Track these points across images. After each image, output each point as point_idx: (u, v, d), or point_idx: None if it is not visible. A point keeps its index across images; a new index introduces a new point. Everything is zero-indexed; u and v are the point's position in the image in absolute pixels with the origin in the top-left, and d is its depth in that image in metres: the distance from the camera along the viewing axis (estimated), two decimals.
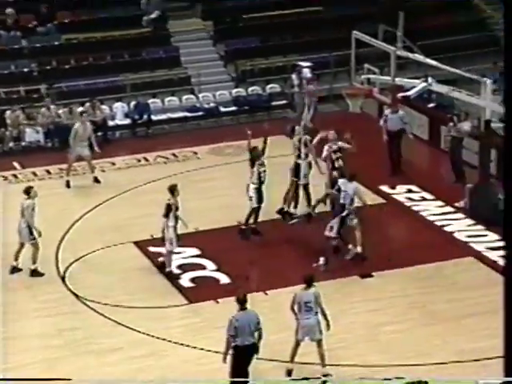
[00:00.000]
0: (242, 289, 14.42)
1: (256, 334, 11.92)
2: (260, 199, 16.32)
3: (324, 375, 12.46)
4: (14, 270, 15.47)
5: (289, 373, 12.59)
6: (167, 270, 15.31)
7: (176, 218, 15.17)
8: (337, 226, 15.31)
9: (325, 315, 12.42)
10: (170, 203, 15.14)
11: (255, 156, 16.52)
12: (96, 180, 19.07)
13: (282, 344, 12.97)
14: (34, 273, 15.42)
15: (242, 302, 12.03)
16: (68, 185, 18.86)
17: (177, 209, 15.20)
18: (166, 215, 15.15)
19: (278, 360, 12.83)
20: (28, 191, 15.62)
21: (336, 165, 16.66)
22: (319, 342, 12.43)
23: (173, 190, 15.29)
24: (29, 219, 15.33)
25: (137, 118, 22.10)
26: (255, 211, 16.43)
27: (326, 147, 16.88)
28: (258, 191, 16.31)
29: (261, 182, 16.29)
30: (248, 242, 16.53)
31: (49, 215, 17.49)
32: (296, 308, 12.39)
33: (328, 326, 12.46)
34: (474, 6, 26.33)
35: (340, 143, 16.88)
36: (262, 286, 14.92)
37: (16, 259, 15.49)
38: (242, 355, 11.91)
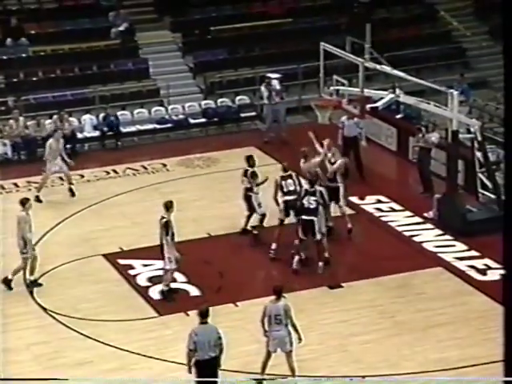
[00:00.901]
0: (210, 301, 14.45)
1: (217, 349, 11.80)
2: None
3: (258, 381, 12.51)
4: (34, 283, 15.33)
5: (259, 382, 12.58)
6: (163, 288, 14.90)
7: (172, 235, 14.76)
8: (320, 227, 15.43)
9: (295, 328, 12.42)
10: (168, 220, 14.69)
11: (253, 164, 16.69)
12: (71, 192, 18.90)
13: (253, 356, 12.98)
14: (6, 282, 15.22)
15: (203, 316, 11.94)
16: (39, 200, 18.67)
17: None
18: (166, 233, 14.67)
19: (249, 372, 12.81)
20: (23, 203, 15.35)
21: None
22: (289, 353, 12.46)
23: (169, 206, 14.83)
24: (22, 232, 15.09)
25: (106, 130, 22.03)
26: (264, 217, 16.57)
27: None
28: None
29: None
30: (218, 253, 16.53)
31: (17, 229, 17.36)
32: (266, 320, 12.40)
33: (299, 338, 12.47)
34: (440, 18, 26.60)
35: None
36: (232, 297, 14.91)
37: (32, 273, 15.32)
38: (203, 369, 11.83)
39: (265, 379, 12.62)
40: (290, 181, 16.30)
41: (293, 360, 12.45)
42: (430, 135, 18.85)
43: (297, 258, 15.54)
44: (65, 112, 21.61)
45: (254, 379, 12.60)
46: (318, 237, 15.43)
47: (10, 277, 15.29)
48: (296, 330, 12.40)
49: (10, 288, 15.26)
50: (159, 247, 14.89)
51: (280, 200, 16.19)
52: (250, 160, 17.04)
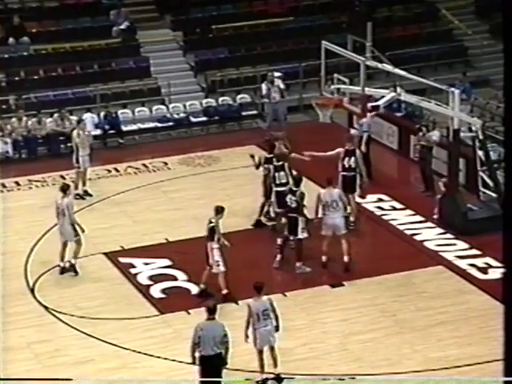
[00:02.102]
0: (213, 299, 14.45)
1: (222, 346, 11.77)
2: None
3: (276, 375, 12.55)
4: (64, 270, 15.51)
5: (264, 382, 12.59)
6: (224, 292, 14.56)
7: (219, 240, 14.55)
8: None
9: (277, 318, 12.50)
10: (214, 225, 14.49)
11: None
12: (86, 193, 18.67)
13: (255, 354, 12.97)
14: (72, 268, 15.47)
15: (210, 311, 11.96)
16: (88, 194, 18.56)
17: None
18: (211, 238, 14.50)
19: (250, 370, 12.82)
20: (64, 189, 15.53)
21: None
22: (273, 348, 12.51)
23: (219, 210, 14.61)
24: (71, 217, 15.31)
25: (107, 128, 22.02)
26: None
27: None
28: None
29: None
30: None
31: (18, 227, 17.40)
32: (253, 319, 12.39)
33: (277, 327, 12.49)
34: (441, 17, 26.59)
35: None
36: (233, 295, 14.90)
37: (62, 259, 15.49)
38: (206, 365, 11.84)
39: (268, 379, 12.62)
40: (282, 173, 16.30)
41: (276, 353, 12.49)
42: (430, 134, 18.84)
43: (279, 256, 15.50)
44: (66, 110, 21.63)
45: (258, 381, 12.58)
46: (300, 236, 15.33)
47: (73, 261, 15.48)
48: (277, 319, 12.47)
49: (77, 272, 15.46)
50: (205, 251, 14.58)
51: (273, 191, 16.23)
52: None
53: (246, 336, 12.44)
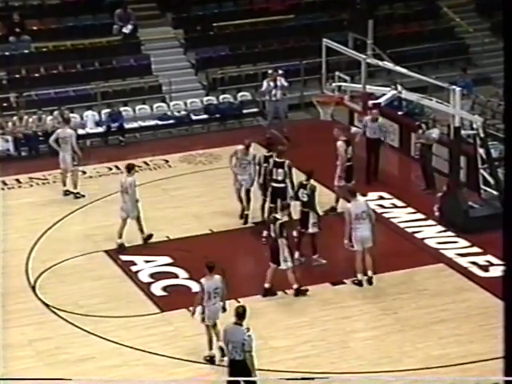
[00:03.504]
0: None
1: (242, 353, 11.57)
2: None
3: (209, 357, 12.90)
4: (121, 247, 16.12)
5: (211, 360, 12.90)
6: (295, 286, 14.64)
7: (287, 236, 14.59)
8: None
9: (224, 298, 12.97)
10: (284, 222, 14.51)
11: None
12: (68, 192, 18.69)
13: (255, 352, 12.98)
14: (148, 238, 16.26)
15: (238, 316, 11.70)
16: (80, 195, 18.53)
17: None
18: (281, 234, 14.45)
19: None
20: (129, 168, 16.35)
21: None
22: (216, 324, 12.89)
23: (285, 207, 14.90)
24: (133, 195, 16.04)
25: (112, 125, 21.99)
26: None
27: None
28: None
29: None
30: (220, 249, 16.56)
31: (19, 224, 17.41)
32: (206, 297, 12.85)
33: (224, 308, 12.89)
34: (443, 14, 26.57)
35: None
36: (234, 293, 14.91)
37: (120, 236, 16.14)
38: (231, 369, 11.68)
39: (214, 357, 12.87)
40: (280, 170, 16.29)
41: (216, 331, 12.87)
42: (430, 131, 18.83)
43: (297, 253, 15.49)
44: (65, 108, 21.62)
45: (205, 357, 12.92)
46: (311, 230, 15.39)
47: (145, 233, 16.22)
48: (224, 300, 12.94)
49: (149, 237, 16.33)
50: (271, 248, 14.61)
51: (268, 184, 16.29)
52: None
53: (193, 312, 13.03)
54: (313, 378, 12.49)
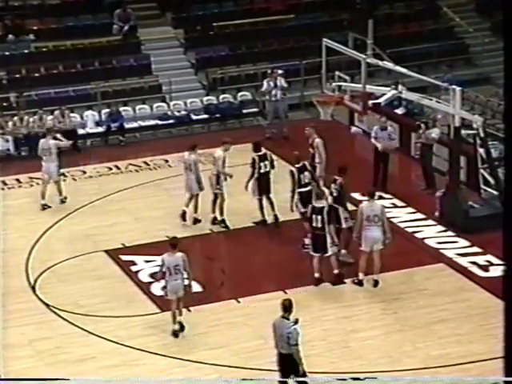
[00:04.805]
0: (212, 298, 14.48)
1: (288, 347, 11.56)
2: None
3: (174, 330, 13.55)
4: (196, 221, 17.05)
5: (175, 334, 13.58)
6: (336, 272, 15.06)
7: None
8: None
9: (188, 277, 13.58)
10: (330, 208, 14.89)
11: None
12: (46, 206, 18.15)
13: (255, 352, 13.00)
14: (222, 223, 16.93)
15: (285, 309, 11.64)
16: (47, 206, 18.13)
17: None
18: (330, 221, 14.80)
19: (251, 368, 12.83)
20: (193, 147, 17.17)
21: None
22: (180, 299, 13.58)
23: (321, 195, 15.28)
24: (197, 173, 16.89)
25: (112, 125, 21.99)
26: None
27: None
28: None
29: None
30: (221, 249, 16.57)
31: (19, 224, 17.41)
32: (167, 272, 13.50)
33: (190, 286, 13.68)
34: (443, 14, 26.57)
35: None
36: (234, 293, 14.92)
37: (195, 211, 17.01)
38: (280, 362, 11.70)
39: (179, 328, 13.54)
40: (306, 173, 16.37)
41: (182, 305, 13.66)
42: (430, 131, 18.83)
43: (343, 251, 15.49)
44: (65, 107, 21.62)
45: (172, 330, 13.56)
46: (345, 225, 15.48)
47: (218, 217, 16.93)
48: (188, 278, 13.59)
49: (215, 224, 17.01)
50: (316, 238, 14.77)
51: (296, 192, 16.24)
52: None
53: (164, 288, 13.66)
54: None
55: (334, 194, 15.60)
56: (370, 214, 14.90)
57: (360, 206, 15.14)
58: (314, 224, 14.81)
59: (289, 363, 11.61)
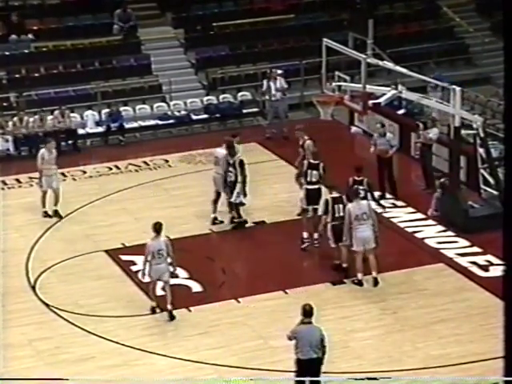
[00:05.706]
0: (212, 297, 14.48)
1: (319, 351, 11.62)
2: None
3: (152, 307, 14.15)
4: (215, 221, 17.01)
5: (153, 310, 14.11)
6: (337, 262, 15.35)
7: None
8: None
9: (172, 262, 13.99)
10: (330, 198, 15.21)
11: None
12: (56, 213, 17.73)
13: (255, 352, 13.00)
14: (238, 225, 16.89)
15: (306, 314, 11.65)
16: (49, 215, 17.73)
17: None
18: (326, 212, 15.20)
19: (251, 368, 12.83)
20: (230, 143, 17.01)
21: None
22: (167, 283, 14.01)
23: (333, 187, 15.43)
24: (224, 168, 16.72)
25: (112, 125, 21.99)
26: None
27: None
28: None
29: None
30: (221, 249, 16.57)
31: (19, 224, 17.41)
32: (150, 257, 13.87)
33: (174, 270, 14.15)
34: (443, 14, 26.57)
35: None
36: (234, 293, 14.92)
37: (214, 211, 17.00)
38: (304, 369, 11.62)
39: (156, 309, 14.11)
40: (315, 172, 16.31)
41: (169, 290, 14.02)
42: (428, 131, 18.81)
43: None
44: (66, 107, 21.62)
45: (151, 307, 14.15)
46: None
47: (219, 217, 16.96)
48: (172, 264, 14.02)
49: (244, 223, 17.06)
50: (336, 230, 15.02)
51: (302, 188, 16.25)
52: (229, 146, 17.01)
53: (143, 273, 14.09)
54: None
55: (361, 195, 15.59)
56: (358, 213, 14.91)
57: (347, 208, 15.04)
58: (336, 214, 15.09)
59: (319, 366, 11.67)
